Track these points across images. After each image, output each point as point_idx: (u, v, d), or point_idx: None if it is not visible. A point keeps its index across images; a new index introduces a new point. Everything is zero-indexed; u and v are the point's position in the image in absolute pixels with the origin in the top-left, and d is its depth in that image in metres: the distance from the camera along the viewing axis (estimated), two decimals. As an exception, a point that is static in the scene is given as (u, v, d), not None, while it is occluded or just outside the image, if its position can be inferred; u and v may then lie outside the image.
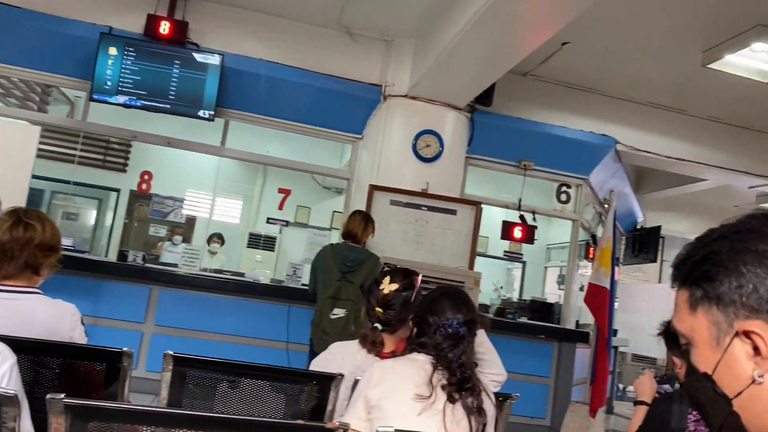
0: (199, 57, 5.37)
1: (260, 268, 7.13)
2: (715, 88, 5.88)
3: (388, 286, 2.35)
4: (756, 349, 0.77)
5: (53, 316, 2.08)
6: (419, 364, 1.91)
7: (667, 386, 2.71)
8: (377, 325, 2.33)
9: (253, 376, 2.05)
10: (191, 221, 8.41)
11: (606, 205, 6.74)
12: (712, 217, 10.47)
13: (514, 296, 9.18)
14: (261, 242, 8.47)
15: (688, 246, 0.87)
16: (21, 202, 4.48)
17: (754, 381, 0.77)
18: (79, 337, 2.12)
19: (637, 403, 2.63)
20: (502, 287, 9.81)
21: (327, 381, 2.15)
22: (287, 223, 6.83)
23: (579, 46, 5.43)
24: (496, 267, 9.88)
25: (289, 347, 5.27)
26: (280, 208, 6.50)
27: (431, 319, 1.98)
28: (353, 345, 2.37)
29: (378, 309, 2.33)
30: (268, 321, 5.33)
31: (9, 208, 2.13)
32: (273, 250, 8.57)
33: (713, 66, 5.18)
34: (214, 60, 5.37)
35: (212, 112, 5.38)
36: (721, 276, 0.80)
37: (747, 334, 0.77)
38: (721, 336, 0.80)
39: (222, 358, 2.05)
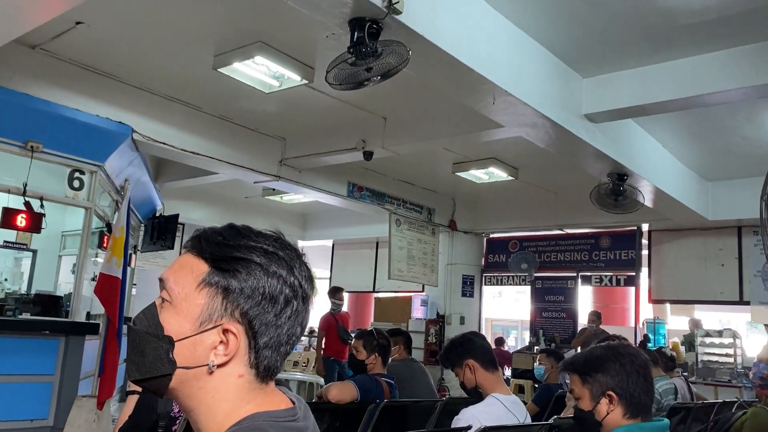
0: None
1: None
2: (226, 91, 6.42)
3: None
4: (222, 344, 0.88)
5: None
6: None
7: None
8: None
9: None
10: None
11: (123, 193, 6.67)
12: (227, 206, 11.48)
13: (23, 289, 8.29)
14: None
15: (223, 231, 0.93)
16: None
17: (207, 366, 0.88)
18: None
19: (128, 393, 2.71)
20: (6, 279, 8.76)
21: None
22: None
23: (97, 28, 5.23)
24: (2, 257, 8.78)
25: None
26: None
27: None
28: None
29: None
30: None
31: None
32: None
33: (223, 70, 5.65)
34: None
35: None
36: (244, 280, 0.88)
37: (226, 331, 0.88)
38: (207, 321, 0.88)
39: None
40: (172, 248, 9.69)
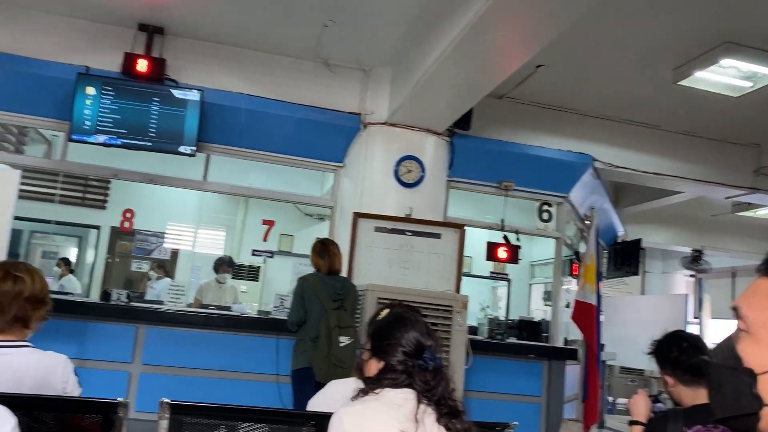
0: (177, 93, 5.37)
1: (247, 300, 7.07)
2: (687, 104, 6.01)
3: None
4: None
5: (45, 369, 2.06)
6: (396, 401, 1.77)
7: (660, 405, 2.73)
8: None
9: (251, 419, 2.03)
10: (174, 255, 8.33)
11: (587, 222, 6.82)
12: (690, 226, 10.64)
13: (501, 315, 9.19)
14: (245, 272, 8.43)
15: None
16: (2, 246, 4.42)
17: None
18: (72, 388, 2.09)
19: (632, 423, 2.65)
20: (488, 306, 9.82)
21: (325, 420, 2.14)
22: (272, 255, 6.79)
23: (553, 67, 5.53)
24: (482, 286, 9.91)
25: (279, 380, 5.22)
26: (264, 239, 6.47)
27: (402, 350, 1.83)
28: (351, 382, 2.34)
29: None
30: (257, 354, 5.29)
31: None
32: (257, 280, 8.52)
33: (684, 83, 5.31)
34: (194, 96, 5.38)
35: (194, 148, 5.37)
36: None
37: None
38: None
39: (219, 403, 2.03)
40: (636, 274, 9.45)
